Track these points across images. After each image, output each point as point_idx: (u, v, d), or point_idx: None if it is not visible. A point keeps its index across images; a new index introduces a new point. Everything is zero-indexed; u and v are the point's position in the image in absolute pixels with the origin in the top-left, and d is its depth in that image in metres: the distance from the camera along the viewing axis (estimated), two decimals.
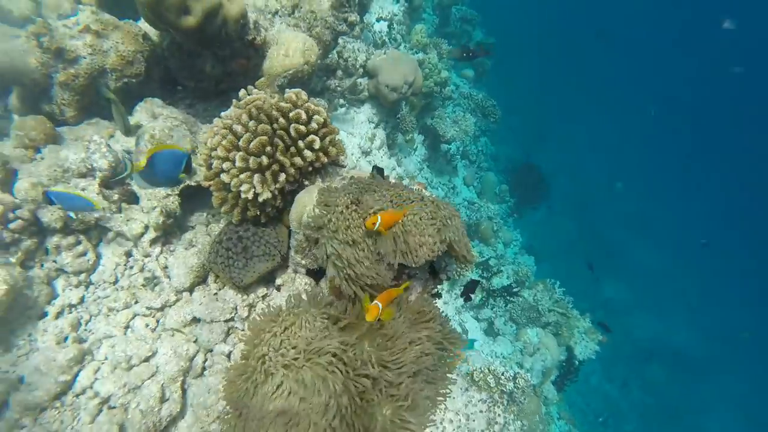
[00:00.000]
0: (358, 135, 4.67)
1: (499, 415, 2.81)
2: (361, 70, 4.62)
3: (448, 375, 1.82)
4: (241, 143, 2.00)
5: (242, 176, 2.00)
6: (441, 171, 8.41)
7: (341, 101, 4.70)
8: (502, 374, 3.78)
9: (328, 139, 2.16)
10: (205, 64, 3.07)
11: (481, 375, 3.66)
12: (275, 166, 2.04)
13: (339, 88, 4.62)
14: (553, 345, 6.41)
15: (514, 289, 6.41)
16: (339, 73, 4.54)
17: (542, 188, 10.90)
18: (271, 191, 2.05)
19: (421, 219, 1.76)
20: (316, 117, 2.11)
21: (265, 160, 1.99)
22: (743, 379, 13.19)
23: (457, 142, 8.18)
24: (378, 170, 2.33)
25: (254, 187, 2.01)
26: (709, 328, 13.97)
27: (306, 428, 1.37)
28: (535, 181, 10.87)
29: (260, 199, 2.04)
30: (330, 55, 4.21)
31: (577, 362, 6.83)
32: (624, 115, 21.07)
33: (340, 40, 4.18)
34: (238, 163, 1.97)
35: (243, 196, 2.02)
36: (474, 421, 2.65)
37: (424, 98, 6.73)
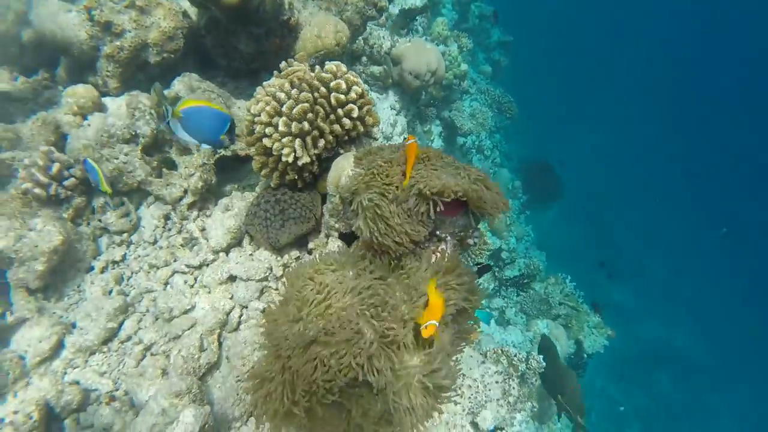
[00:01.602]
0: (381, 120, 4.76)
1: (513, 388, 2.89)
2: (386, 57, 4.72)
3: (470, 333, 1.90)
4: (284, 109, 2.10)
5: (284, 140, 2.10)
6: None
7: (365, 86, 4.79)
8: (515, 355, 3.85)
9: (365, 108, 2.26)
10: (239, 42, 3.19)
11: (494, 355, 3.73)
12: (315, 132, 2.14)
13: (364, 74, 4.72)
14: (563, 337, 6.46)
15: (525, 280, 6.47)
16: (364, 59, 4.64)
17: (556, 187, 10.92)
18: (310, 156, 2.15)
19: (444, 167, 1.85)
20: (354, 88, 2.21)
21: (306, 125, 2.10)
22: (749, 387, 13.08)
23: (473, 135, 8.25)
24: None
25: (295, 151, 2.11)
26: (716, 335, 13.88)
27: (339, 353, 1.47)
28: (549, 180, 10.89)
29: (300, 163, 2.14)
30: (356, 41, 4.31)
31: (585, 355, 6.87)
32: (640, 118, 20.97)
33: (367, 26, 4.28)
34: (281, 128, 2.07)
35: (284, 159, 2.12)
36: (490, 390, 2.73)
37: (443, 90, 6.81)
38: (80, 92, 2.55)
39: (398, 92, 4.96)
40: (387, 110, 4.86)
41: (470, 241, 2.13)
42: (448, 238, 2.05)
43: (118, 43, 2.77)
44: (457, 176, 1.81)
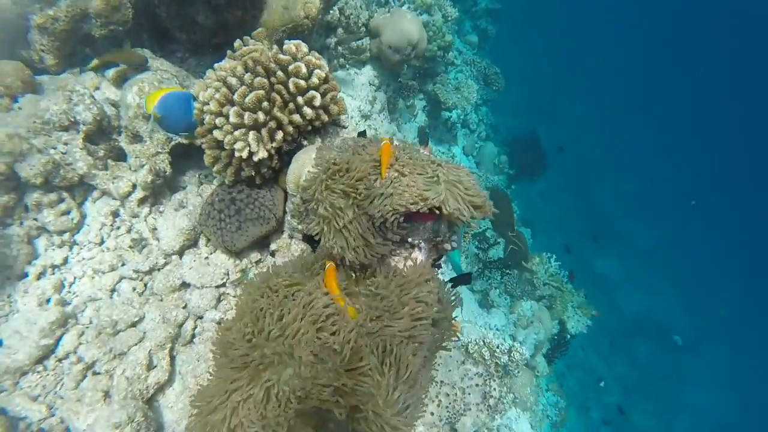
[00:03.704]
0: (359, 98, 4.47)
1: (494, 389, 2.77)
2: (363, 29, 4.39)
3: (443, 344, 1.74)
4: (235, 97, 1.84)
5: (236, 133, 1.85)
6: (440, 139, 8.22)
7: (341, 61, 4.48)
8: (498, 347, 3.74)
9: (329, 96, 2.00)
10: (197, 14, 2.87)
11: (476, 347, 3.62)
12: (272, 123, 1.89)
13: (339, 48, 4.40)
14: (547, 319, 6.42)
15: (510, 262, 6.36)
16: (340, 31, 4.31)
17: (542, 161, 10.74)
18: (267, 150, 1.91)
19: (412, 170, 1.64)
20: (317, 72, 1.94)
21: (261, 116, 1.84)
22: (724, 353, 13.48)
23: (459, 109, 7.97)
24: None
25: (249, 146, 1.86)
26: (693, 303, 14.19)
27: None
28: (535, 154, 10.70)
29: (255, 159, 1.90)
30: (331, 11, 3.98)
31: (568, 336, 6.87)
32: (626, 91, 20.73)
33: None
34: (232, 119, 1.82)
35: (237, 154, 1.88)
36: (470, 395, 2.60)
37: (426, 62, 6.48)
38: (5, 70, 2.23)
39: (377, 67, 4.66)
40: (366, 86, 4.56)
41: (447, 246, 1.93)
42: (422, 244, 1.84)
43: (51, 12, 2.43)
44: (432, 182, 1.59)
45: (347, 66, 4.54)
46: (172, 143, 2.57)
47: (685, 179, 17.87)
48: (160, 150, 2.48)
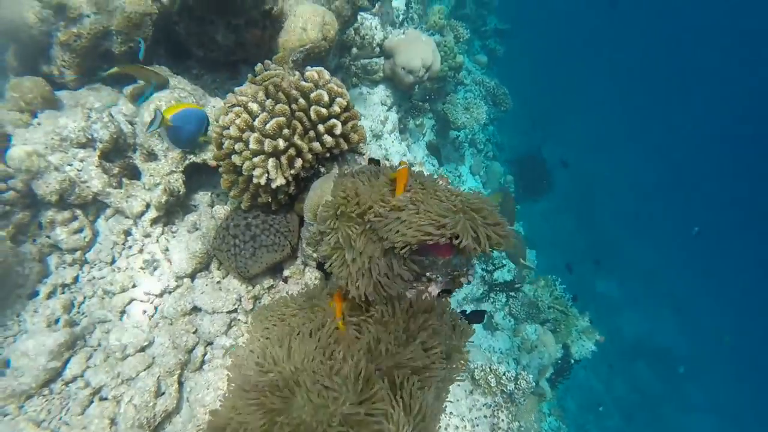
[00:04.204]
0: (370, 117, 4.48)
1: (503, 420, 2.72)
2: (378, 49, 4.41)
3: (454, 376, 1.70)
4: (256, 123, 1.83)
5: (256, 159, 1.84)
6: (448, 158, 8.22)
7: (354, 80, 4.50)
8: (504, 374, 3.69)
9: (350, 124, 2.00)
10: (216, 33, 2.88)
11: (482, 374, 3.56)
12: (291, 151, 1.88)
13: (353, 67, 4.42)
14: (551, 343, 6.34)
15: (516, 285, 6.31)
16: (354, 50, 4.33)
17: (545, 181, 10.74)
18: (285, 177, 1.89)
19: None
20: (338, 100, 1.94)
21: (281, 143, 1.83)
22: (725, 380, 13.35)
23: (467, 129, 7.99)
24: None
25: (268, 172, 1.85)
26: (695, 328, 14.08)
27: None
28: (539, 174, 10.70)
29: (273, 186, 1.88)
30: (347, 31, 4.00)
31: (572, 361, 6.79)
32: (632, 114, 20.80)
33: (358, 16, 3.97)
34: (252, 145, 1.81)
35: (255, 181, 1.86)
36: (478, 426, 2.55)
37: (437, 82, 6.51)
38: (27, 86, 2.24)
39: (390, 87, 4.67)
40: (378, 106, 4.57)
41: (463, 280, 1.91)
42: (440, 278, 1.82)
43: (74, 30, 2.44)
44: (448, 211, 1.57)
45: (360, 85, 4.56)
46: (187, 162, 2.57)
47: (691, 202, 17.84)
48: (174, 169, 2.47)
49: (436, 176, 1.99)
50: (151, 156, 2.49)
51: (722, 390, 13.05)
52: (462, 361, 1.75)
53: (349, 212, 1.54)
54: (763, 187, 18.92)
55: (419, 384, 1.49)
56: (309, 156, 1.91)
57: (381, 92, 4.63)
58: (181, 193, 2.43)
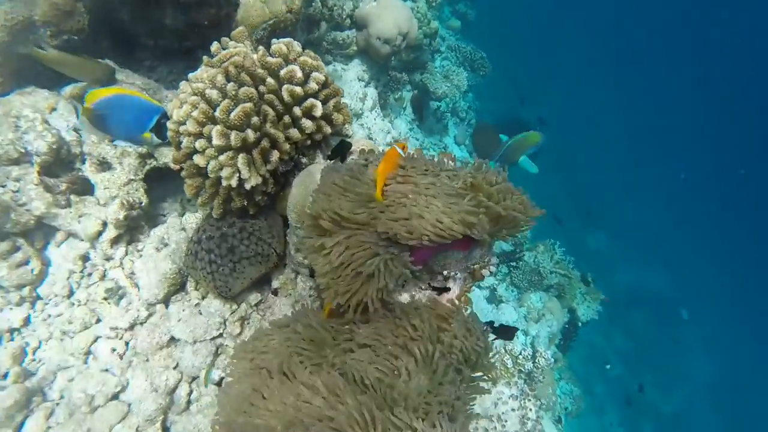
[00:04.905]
0: (348, 95, 4.12)
1: (530, 410, 2.50)
2: (349, 21, 4.03)
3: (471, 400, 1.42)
4: (217, 113, 1.49)
5: (222, 158, 1.51)
6: (431, 130, 7.90)
7: (327, 57, 4.13)
8: (520, 353, 3.47)
9: (331, 103, 1.67)
10: (165, 16, 2.50)
11: (497, 356, 3.34)
12: (265, 142, 1.55)
13: (324, 43, 4.04)
14: (557, 309, 6.18)
15: (518, 254, 6.11)
16: (323, 24, 3.95)
17: None
18: (261, 175, 1.57)
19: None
20: (315, 75, 1.61)
21: (251, 134, 1.50)
22: (717, 321, 13.60)
23: (448, 98, 7.68)
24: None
25: (239, 171, 1.52)
26: (685, 275, 14.21)
27: None
28: None
29: (247, 186, 1.56)
30: (313, 3, 3.62)
31: (579, 324, 6.67)
32: (615, 70, 20.54)
33: None
34: (216, 141, 1.48)
35: (225, 183, 1.54)
36: (507, 421, 2.32)
37: (412, 52, 6.15)
38: None
39: (365, 60, 4.30)
40: (354, 82, 4.22)
41: (485, 272, 1.62)
42: (458, 275, 1.53)
43: None
44: (457, 200, 1.26)
45: (333, 62, 4.19)
46: (147, 167, 2.22)
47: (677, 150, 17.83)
48: (132, 177, 2.12)
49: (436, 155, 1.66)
50: (104, 165, 2.13)
51: (720, 331, 13.27)
52: (489, 377, 1.47)
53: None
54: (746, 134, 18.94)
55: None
56: (286, 146, 1.59)
57: (356, 67, 4.27)
58: (143, 204, 2.09)
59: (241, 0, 2.64)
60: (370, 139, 4.23)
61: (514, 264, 6.33)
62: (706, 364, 12.71)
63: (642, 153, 17.89)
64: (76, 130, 2.22)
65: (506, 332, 1.58)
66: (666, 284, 13.99)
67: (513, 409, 2.39)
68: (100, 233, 1.96)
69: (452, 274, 1.50)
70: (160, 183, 2.27)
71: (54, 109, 2.26)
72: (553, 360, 3.82)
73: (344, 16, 3.89)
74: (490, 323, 1.49)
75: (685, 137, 19.21)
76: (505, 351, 3.59)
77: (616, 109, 19.33)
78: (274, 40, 1.67)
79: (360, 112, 4.17)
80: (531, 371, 3.55)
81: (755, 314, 14.07)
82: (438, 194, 1.27)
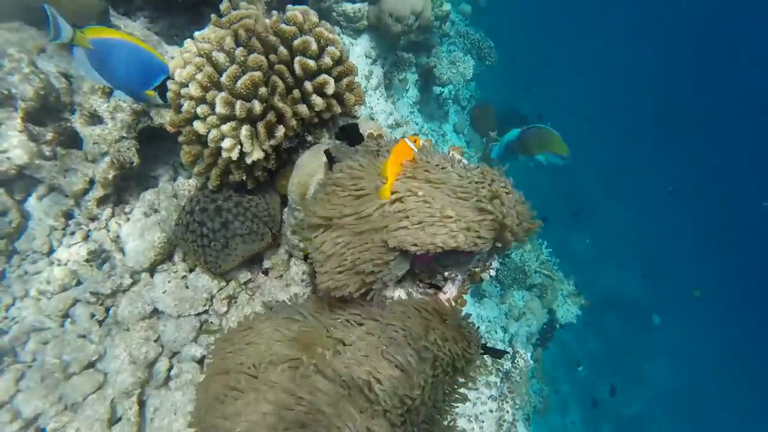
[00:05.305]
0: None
1: (507, 411, 2.51)
2: None
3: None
4: (224, 79, 1.39)
5: (224, 127, 1.41)
6: (431, 115, 7.78)
7: (336, 29, 3.97)
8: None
9: (345, 81, 1.58)
10: None
11: (481, 363, 3.34)
12: (271, 116, 1.46)
13: (334, 14, 3.88)
14: (538, 309, 6.25)
15: (505, 253, 6.11)
16: None
17: None
18: (263, 150, 1.48)
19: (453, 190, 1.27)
20: (330, 49, 1.51)
21: (257, 105, 1.41)
22: (686, 330, 13.95)
23: (452, 85, 7.55)
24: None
25: (241, 144, 1.44)
26: (662, 281, 14.48)
27: None
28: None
29: (248, 161, 1.47)
30: None
31: (558, 325, 6.76)
32: (612, 69, 20.43)
33: None
34: (219, 109, 1.38)
35: (225, 155, 1.45)
36: (484, 422, 2.32)
37: (422, 33, 5.99)
38: None
39: (374, 37, 4.16)
40: (362, 59, 4.08)
41: (485, 275, 1.58)
42: (458, 276, 1.48)
43: None
44: (471, 209, 1.21)
45: (341, 34, 4.04)
46: (141, 125, 2.10)
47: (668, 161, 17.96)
48: (125, 134, 2.00)
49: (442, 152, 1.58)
50: (95, 118, 2.01)
51: (688, 340, 13.63)
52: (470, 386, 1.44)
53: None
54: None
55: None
56: (293, 122, 1.50)
57: (365, 43, 4.13)
58: (134, 164, 1.99)
59: None
60: (372, 119, 4.13)
61: (501, 260, 6.34)
62: (668, 370, 13.11)
63: (631, 157, 17.97)
64: (66, 75, 2.09)
65: (495, 352, 1.55)
66: (642, 290, 14.26)
67: (491, 411, 2.39)
68: (86, 191, 1.86)
69: (452, 275, 1.45)
70: (154, 143, 2.16)
71: (42, 50, 2.13)
72: (532, 362, 3.85)
73: None
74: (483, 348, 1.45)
75: (676, 145, 19.34)
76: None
77: (614, 108, 19.31)
78: (289, 6, 1.56)
79: (364, 90, 4.05)
80: (509, 371, 3.57)
81: (722, 325, 14.46)
82: (450, 200, 1.21)
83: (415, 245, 1.14)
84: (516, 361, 3.40)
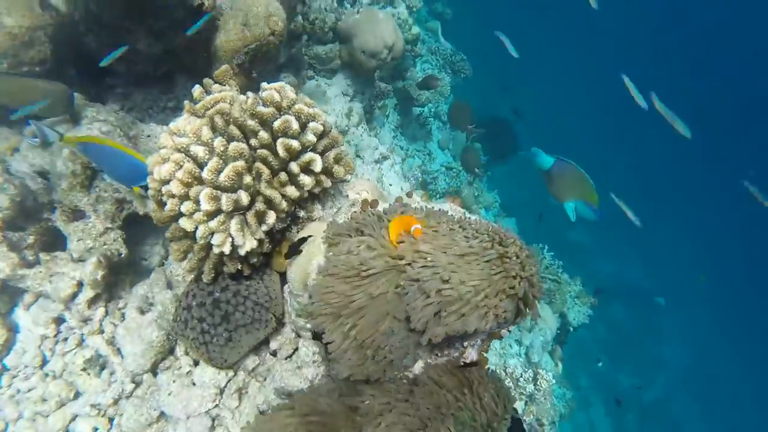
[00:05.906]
0: (333, 112, 3.96)
1: None
2: (331, 34, 3.86)
3: None
4: (205, 174, 1.33)
5: (213, 223, 1.35)
6: (414, 136, 7.79)
7: (309, 72, 3.95)
8: (521, 376, 3.40)
9: (332, 154, 1.52)
10: (137, 41, 2.30)
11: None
12: (260, 204, 1.40)
13: (306, 58, 3.87)
14: (549, 316, 6.17)
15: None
16: (305, 39, 3.78)
17: (511, 140, 10.49)
18: (257, 239, 1.41)
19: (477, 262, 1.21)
20: (312, 125, 1.46)
21: (244, 196, 1.35)
22: (693, 311, 13.96)
23: (431, 104, 7.58)
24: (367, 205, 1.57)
25: (232, 237, 1.37)
26: (663, 267, 14.52)
27: None
28: (504, 135, 10.42)
29: (242, 252, 1.40)
30: (295, 19, 3.43)
31: (571, 329, 6.69)
32: (592, 62, 20.71)
33: None
34: (204, 206, 1.32)
35: (216, 250, 1.38)
36: None
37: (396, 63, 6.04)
38: None
39: (349, 74, 4.14)
40: (339, 98, 4.06)
41: (504, 332, 1.52)
42: (477, 341, 1.42)
43: None
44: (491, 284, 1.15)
45: (316, 77, 4.02)
46: (125, 212, 2.03)
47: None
48: (110, 225, 1.93)
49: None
50: (77, 213, 1.94)
51: (696, 319, 13.62)
52: None
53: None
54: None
55: None
56: (283, 205, 1.44)
57: (341, 82, 4.11)
58: (123, 255, 1.91)
59: (220, 23, 2.45)
60: (358, 156, 4.09)
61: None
62: (681, 352, 13.04)
63: (622, 145, 18.13)
64: (42, 174, 2.02)
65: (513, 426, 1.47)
66: (642, 275, 14.26)
67: None
68: (75, 294, 1.77)
69: (473, 343, 1.39)
70: (140, 221, 2.08)
71: (16, 149, 2.07)
72: (554, 381, 3.77)
73: (326, 30, 3.73)
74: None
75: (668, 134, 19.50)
76: (506, 374, 3.52)
77: (597, 103, 19.50)
78: (264, 84, 1.51)
79: (346, 128, 4.02)
80: (532, 393, 3.49)
81: (728, 304, 14.46)
82: (470, 273, 1.15)
83: (449, 333, 1.09)
84: (539, 383, 3.32)
